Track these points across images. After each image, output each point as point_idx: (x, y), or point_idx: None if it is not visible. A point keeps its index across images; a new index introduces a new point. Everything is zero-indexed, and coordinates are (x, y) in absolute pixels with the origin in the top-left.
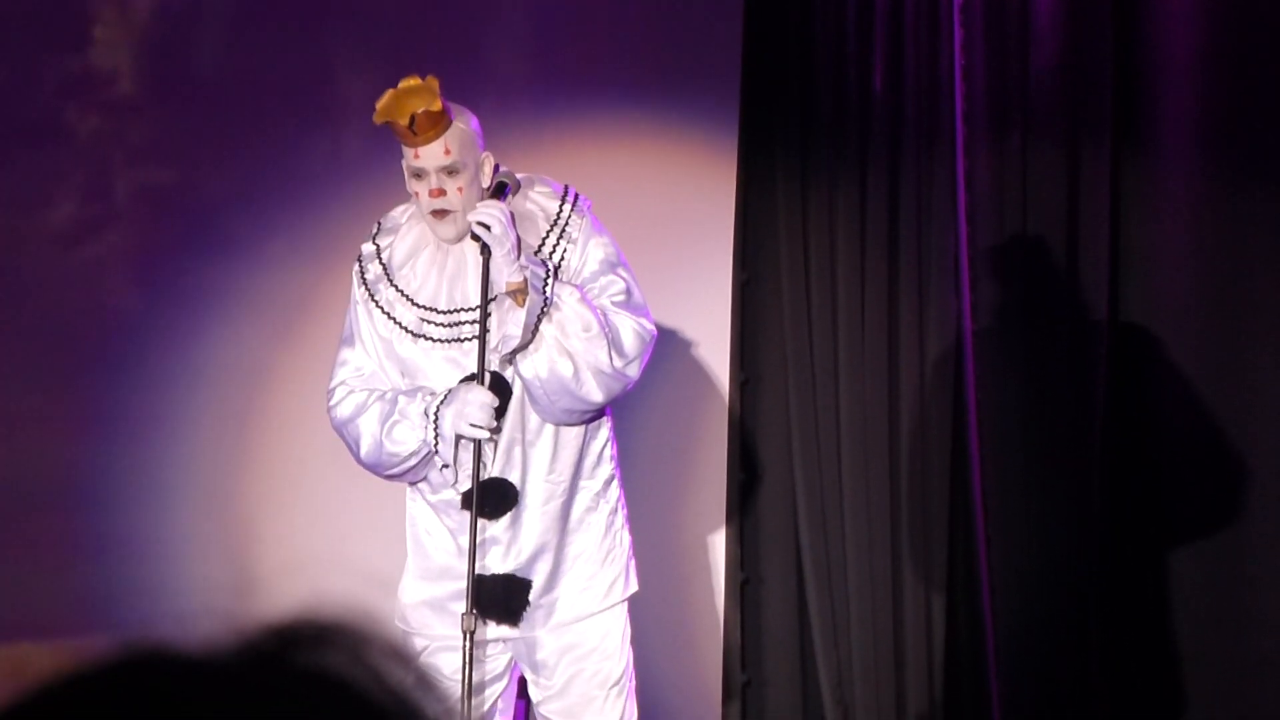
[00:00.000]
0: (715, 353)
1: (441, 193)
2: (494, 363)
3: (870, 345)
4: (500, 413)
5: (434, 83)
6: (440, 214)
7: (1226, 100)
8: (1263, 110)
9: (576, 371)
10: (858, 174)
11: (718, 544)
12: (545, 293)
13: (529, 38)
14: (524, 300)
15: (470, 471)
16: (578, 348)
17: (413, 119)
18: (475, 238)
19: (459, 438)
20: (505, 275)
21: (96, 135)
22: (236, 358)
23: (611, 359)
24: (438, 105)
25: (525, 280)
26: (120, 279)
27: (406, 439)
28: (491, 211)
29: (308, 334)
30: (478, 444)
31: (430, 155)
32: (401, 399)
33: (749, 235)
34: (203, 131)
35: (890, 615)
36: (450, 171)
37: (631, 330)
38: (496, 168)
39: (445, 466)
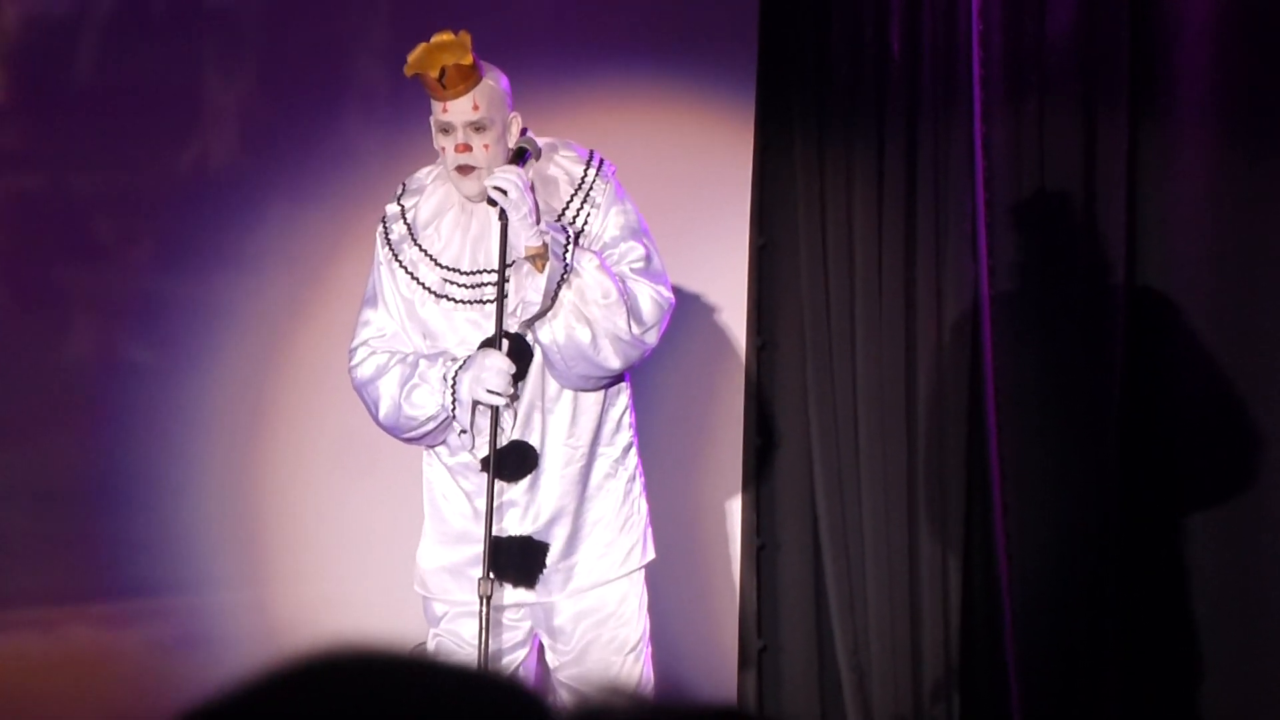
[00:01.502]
0: (732, 318)
1: (468, 148)
2: (513, 327)
3: (887, 310)
4: (520, 377)
5: (466, 37)
6: (465, 170)
7: (1244, 63)
8: None
9: (594, 338)
10: (875, 139)
11: (734, 510)
12: (565, 259)
13: (547, 2)
14: (544, 266)
15: (489, 437)
16: (596, 315)
17: (443, 71)
18: (492, 202)
19: (476, 403)
20: (524, 240)
21: None
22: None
23: (630, 326)
24: (469, 59)
25: (545, 245)
26: None
27: (425, 403)
28: (509, 176)
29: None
30: (495, 410)
31: (458, 110)
32: (422, 363)
33: (766, 200)
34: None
35: (906, 581)
36: (478, 127)
37: (650, 298)
38: (524, 131)
39: (463, 432)
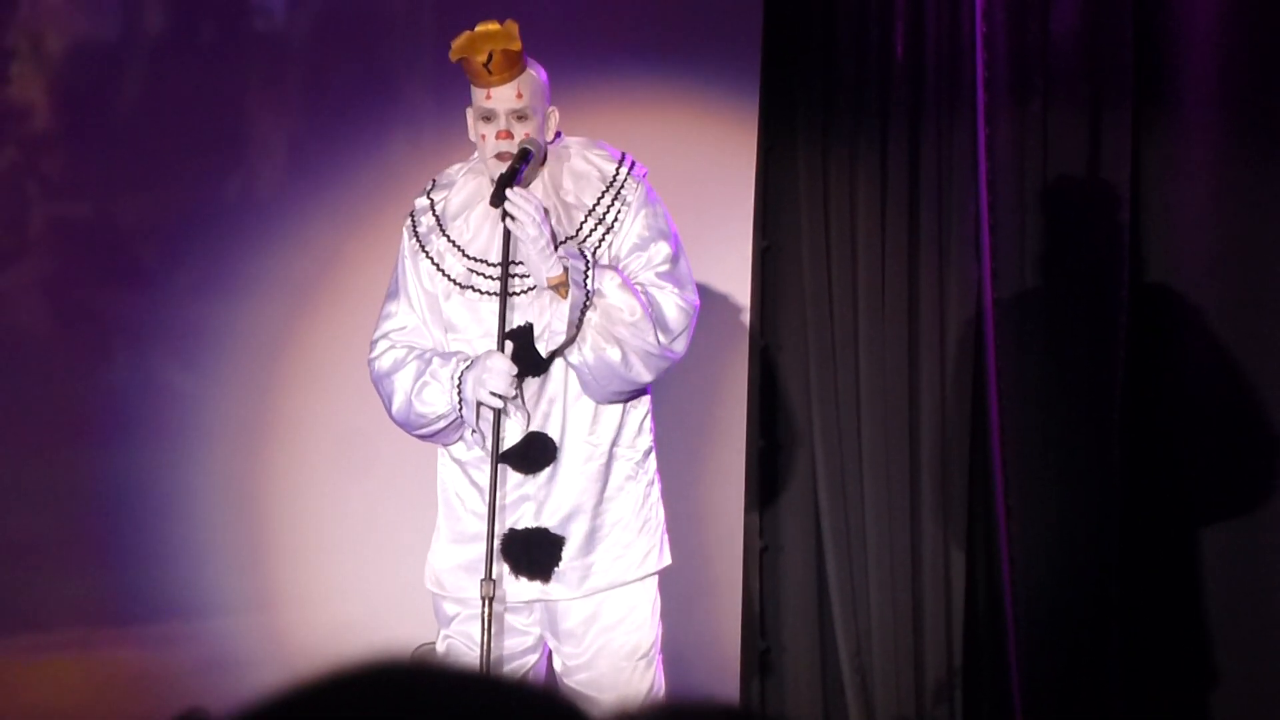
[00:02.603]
0: (735, 320)
1: (509, 135)
2: (543, 352)
3: (891, 312)
4: (527, 375)
5: (513, 26)
6: (505, 156)
7: (1248, 64)
8: None
9: (625, 356)
10: (879, 140)
11: (737, 512)
12: (587, 285)
13: (550, 3)
14: (566, 293)
15: (515, 430)
16: (624, 334)
17: (490, 56)
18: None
19: (479, 404)
20: (544, 272)
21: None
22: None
23: (658, 339)
24: (517, 46)
25: (565, 273)
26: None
27: (435, 401)
28: (526, 208)
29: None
30: (497, 412)
31: (502, 97)
32: (436, 360)
33: (769, 202)
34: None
35: (909, 584)
36: (520, 116)
37: (675, 306)
38: (558, 134)
39: (474, 431)
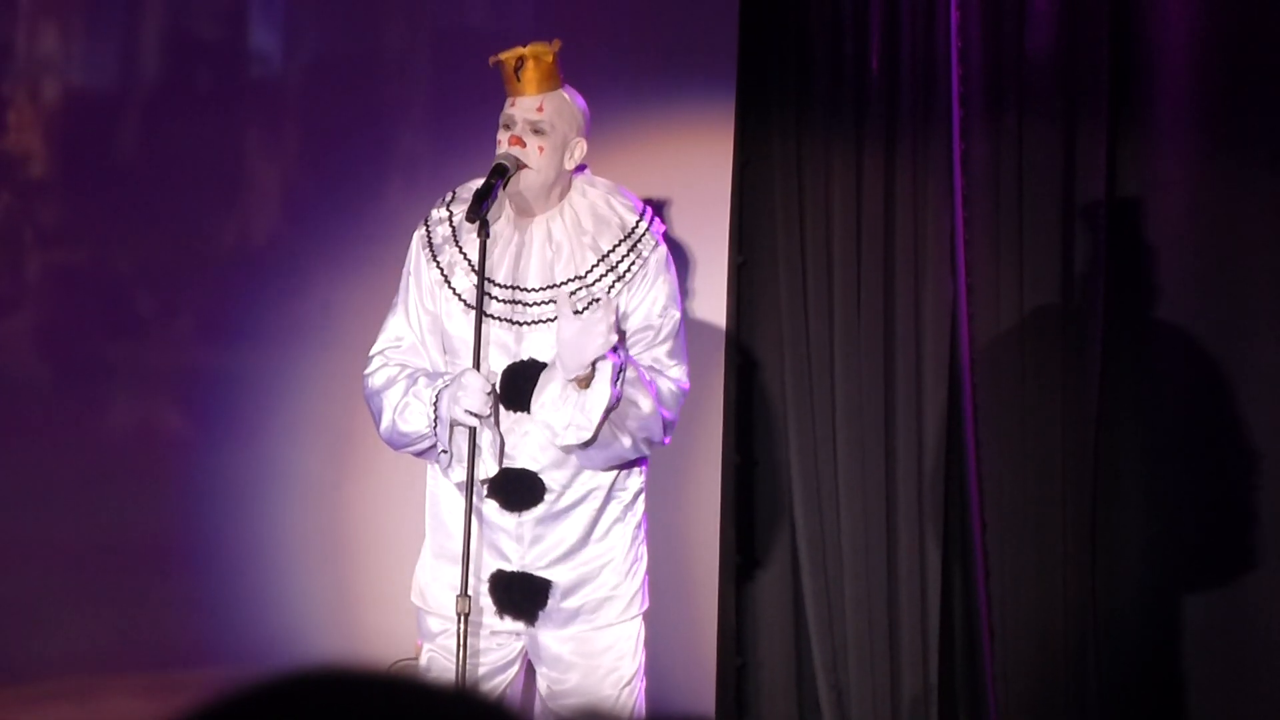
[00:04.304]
0: (711, 336)
1: (521, 144)
2: (554, 442)
3: (866, 328)
4: (515, 409)
5: (556, 45)
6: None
7: (1223, 80)
8: (1258, 90)
9: (634, 444)
10: (854, 155)
11: (713, 528)
12: (617, 386)
13: (525, 20)
14: (586, 384)
15: (488, 456)
16: (634, 426)
17: (520, 62)
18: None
19: (454, 423)
20: (580, 367)
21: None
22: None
23: (663, 430)
24: (549, 58)
25: (593, 371)
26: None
27: (415, 420)
28: (609, 317)
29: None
30: (472, 431)
31: (523, 106)
32: (421, 379)
33: (745, 217)
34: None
35: (885, 599)
36: (537, 129)
37: (671, 393)
38: (582, 168)
39: (444, 452)
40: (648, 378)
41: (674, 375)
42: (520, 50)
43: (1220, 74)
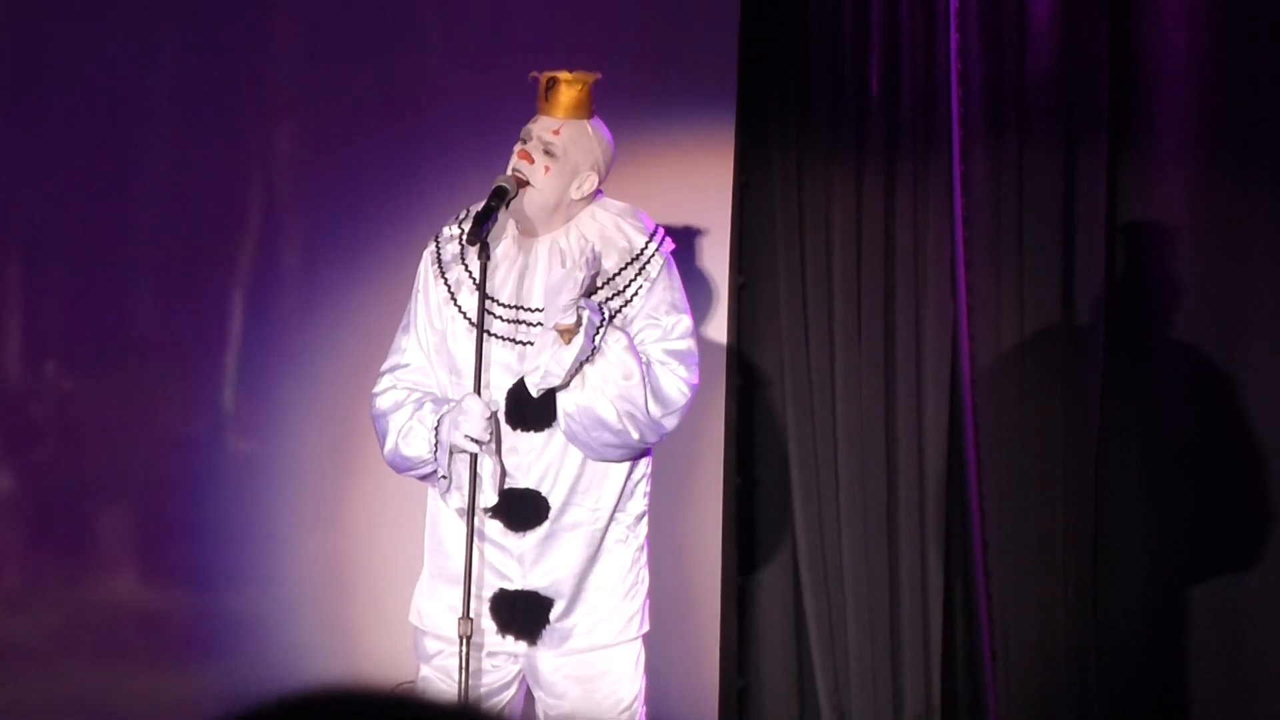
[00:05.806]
0: (712, 357)
1: (529, 159)
2: (534, 391)
3: (867, 348)
4: (522, 428)
5: (594, 76)
6: (515, 174)
7: (1222, 100)
8: (1258, 109)
9: (617, 413)
10: (854, 177)
11: (714, 548)
12: (596, 341)
13: (524, 37)
14: (570, 339)
15: (488, 486)
16: (614, 391)
17: (553, 82)
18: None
19: (454, 448)
20: (560, 314)
21: None
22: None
23: (648, 406)
24: (579, 86)
25: (578, 322)
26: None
27: (417, 446)
28: (585, 249)
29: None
30: (473, 457)
31: (543, 124)
32: (428, 405)
33: (745, 239)
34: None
35: (887, 620)
36: (549, 150)
37: (675, 384)
38: (598, 193)
39: (443, 477)
40: (640, 355)
41: (683, 375)
42: (558, 72)
43: (1220, 94)
